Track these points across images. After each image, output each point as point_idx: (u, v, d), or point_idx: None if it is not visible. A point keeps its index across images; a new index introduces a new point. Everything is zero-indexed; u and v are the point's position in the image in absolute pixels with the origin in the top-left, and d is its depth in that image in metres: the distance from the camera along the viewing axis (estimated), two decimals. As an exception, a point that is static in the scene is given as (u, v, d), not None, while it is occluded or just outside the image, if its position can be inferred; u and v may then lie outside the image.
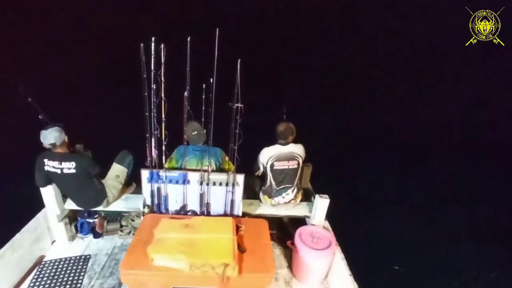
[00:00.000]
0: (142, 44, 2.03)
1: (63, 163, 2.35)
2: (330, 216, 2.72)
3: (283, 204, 2.74)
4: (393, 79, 8.36)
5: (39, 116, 2.37)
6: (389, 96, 8.00)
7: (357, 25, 9.22)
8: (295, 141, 2.72)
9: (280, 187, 2.68)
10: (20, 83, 2.31)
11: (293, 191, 2.71)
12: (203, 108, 2.21)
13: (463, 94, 8.11)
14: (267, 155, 2.64)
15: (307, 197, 3.00)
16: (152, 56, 2.07)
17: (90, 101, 6.72)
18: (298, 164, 2.67)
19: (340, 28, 9.29)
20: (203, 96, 2.14)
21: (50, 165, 2.36)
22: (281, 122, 2.65)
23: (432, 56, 8.61)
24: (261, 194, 2.80)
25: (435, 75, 8.62)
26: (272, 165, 2.63)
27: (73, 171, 2.38)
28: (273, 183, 2.67)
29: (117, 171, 2.68)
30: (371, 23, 9.18)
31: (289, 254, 2.68)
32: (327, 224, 2.75)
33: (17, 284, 2.34)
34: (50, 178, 2.46)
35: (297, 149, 2.67)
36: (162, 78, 2.14)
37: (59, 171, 2.37)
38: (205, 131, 2.52)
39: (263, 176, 2.75)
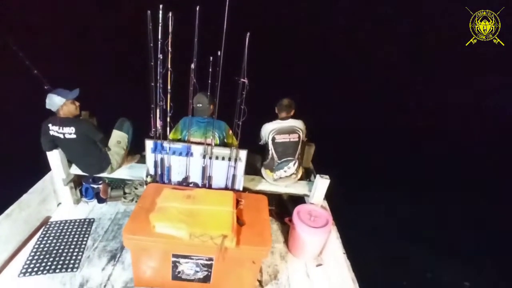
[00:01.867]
0: (149, 12, 1.97)
1: (64, 128, 2.39)
2: (329, 196, 2.76)
3: (285, 178, 2.77)
4: (393, 78, 8.27)
5: (45, 87, 2.39)
6: (389, 95, 7.96)
7: (357, 22, 9.00)
8: (295, 117, 2.78)
9: (282, 160, 2.71)
10: (26, 58, 2.31)
11: (294, 164, 2.74)
12: (210, 81, 2.19)
13: (463, 93, 8.04)
14: (268, 129, 2.73)
15: (308, 176, 3.04)
16: (160, 24, 2.02)
17: (96, 70, 6.65)
18: (299, 137, 2.73)
19: (345, 17, 9.11)
20: (210, 69, 2.11)
21: (54, 130, 2.41)
22: (284, 98, 2.74)
23: (432, 56, 8.46)
24: (262, 170, 2.84)
25: (434, 74, 8.51)
26: (273, 139, 2.70)
27: (74, 136, 2.41)
28: (275, 156, 2.72)
29: (117, 137, 2.72)
30: (371, 22, 8.94)
31: (286, 230, 2.76)
32: (325, 204, 2.80)
33: (25, 241, 2.45)
34: (55, 142, 2.50)
35: (297, 123, 2.76)
36: (169, 48, 2.10)
37: (61, 136, 2.41)
38: (212, 106, 2.52)
39: (265, 151, 2.80)
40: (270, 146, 2.73)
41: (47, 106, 2.37)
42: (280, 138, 2.70)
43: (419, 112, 7.61)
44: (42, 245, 2.42)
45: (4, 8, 6.95)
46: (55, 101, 2.35)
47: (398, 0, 8.82)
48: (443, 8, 7.96)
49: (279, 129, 2.70)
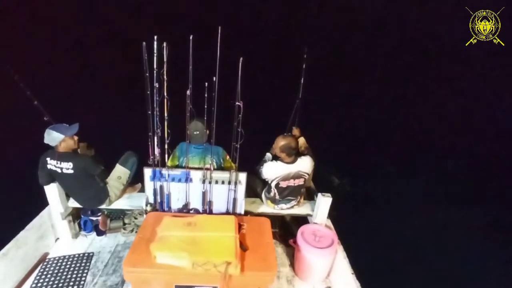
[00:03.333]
0: (144, 43, 2.03)
1: (62, 163, 2.37)
2: (333, 214, 2.72)
3: (286, 209, 2.74)
4: (393, 79, 8.37)
5: (44, 118, 2.40)
6: (389, 96, 8.01)
7: (358, 24, 9.21)
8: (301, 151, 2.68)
9: (284, 198, 2.67)
10: (27, 88, 2.35)
11: (296, 200, 2.72)
12: (206, 106, 2.21)
13: (463, 94, 8.13)
14: (272, 175, 2.58)
15: (309, 195, 3.00)
16: (155, 54, 2.07)
17: (93, 100, 6.75)
18: (305, 180, 2.64)
19: (342, 28, 9.32)
20: (206, 95, 2.14)
21: (52, 164, 2.39)
22: (288, 137, 2.54)
23: (432, 56, 8.60)
24: (263, 197, 2.78)
25: (434, 74, 8.63)
26: (277, 184, 2.59)
27: (71, 171, 2.39)
28: (277, 196, 2.65)
29: (119, 173, 2.69)
30: (372, 22, 9.17)
31: (291, 252, 2.68)
32: (329, 223, 2.75)
33: (22, 280, 2.36)
34: (53, 176, 2.48)
35: (305, 166, 2.60)
36: (165, 77, 2.14)
37: (59, 170, 2.39)
38: (208, 131, 2.53)
39: (266, 182, 2.70)
40: (273, 188, 2.62)
41: (45, 141, 2.35)
42: (284, 184, 2.59)
43: (418, 116, 7.62)
44: (39, 284, 2.33)
45: (6, 40, 7.14)
46: (53, 137, 2.33)
47: (398, 1, 9.01)
48: (443, 7, 8.09)
49: (284, 176, 2.56)
